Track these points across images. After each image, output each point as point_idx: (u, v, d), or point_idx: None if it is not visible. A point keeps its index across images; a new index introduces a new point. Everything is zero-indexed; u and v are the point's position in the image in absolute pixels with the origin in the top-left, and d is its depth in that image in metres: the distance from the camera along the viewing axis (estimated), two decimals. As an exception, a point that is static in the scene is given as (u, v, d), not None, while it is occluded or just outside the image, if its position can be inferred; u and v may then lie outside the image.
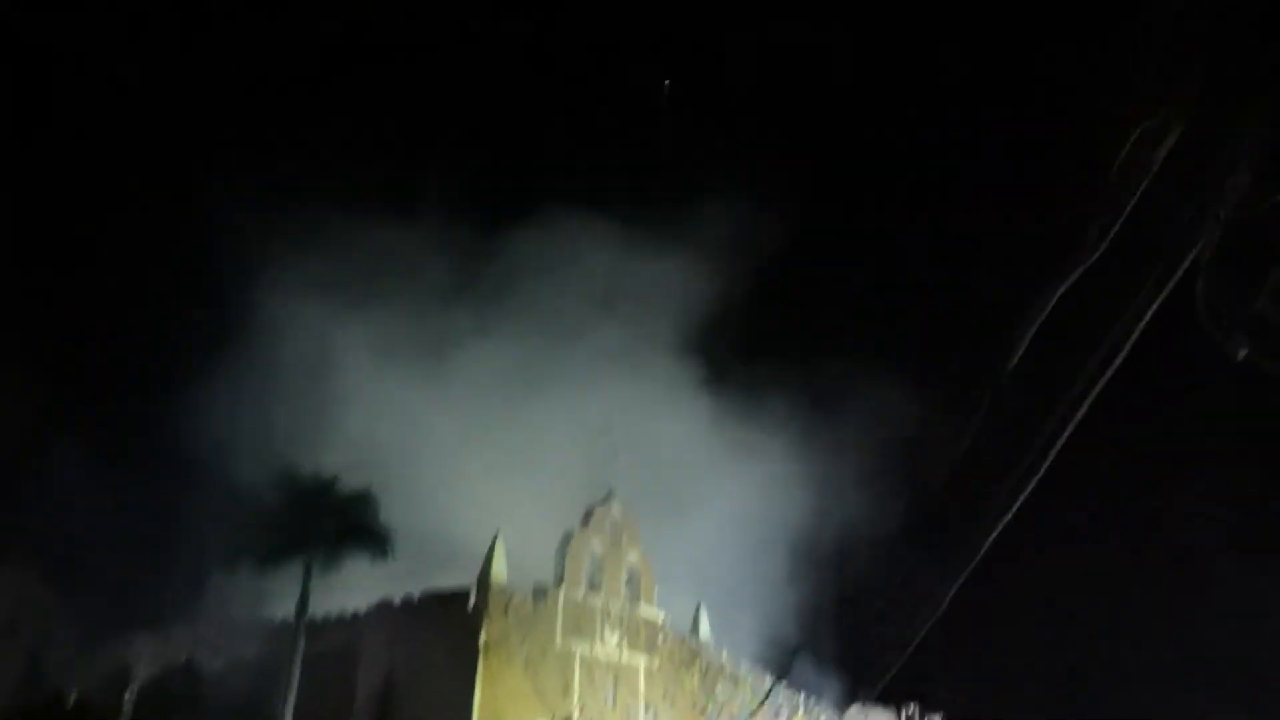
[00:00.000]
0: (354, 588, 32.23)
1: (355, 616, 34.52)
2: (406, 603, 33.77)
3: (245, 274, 46.73)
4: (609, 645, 34.50)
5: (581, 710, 32.93)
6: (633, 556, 36.85)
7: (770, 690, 34.80)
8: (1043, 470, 4.35)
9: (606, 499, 37.00)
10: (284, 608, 30.72)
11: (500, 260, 50.98)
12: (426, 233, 50.09)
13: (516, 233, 51.73)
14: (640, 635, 35.49)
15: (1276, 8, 3.18)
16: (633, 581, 36.52)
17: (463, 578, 33.21)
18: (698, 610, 38.57)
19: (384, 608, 34.04)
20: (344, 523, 28.24)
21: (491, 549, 33.20)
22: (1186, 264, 3.16)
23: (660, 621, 36.39)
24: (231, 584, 32.19)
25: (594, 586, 35.21)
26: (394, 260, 49.39)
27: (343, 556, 28.39)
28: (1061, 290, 3.99)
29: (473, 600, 32.58)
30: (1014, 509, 4.56)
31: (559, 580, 34.52)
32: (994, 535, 4.73)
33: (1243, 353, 2.61)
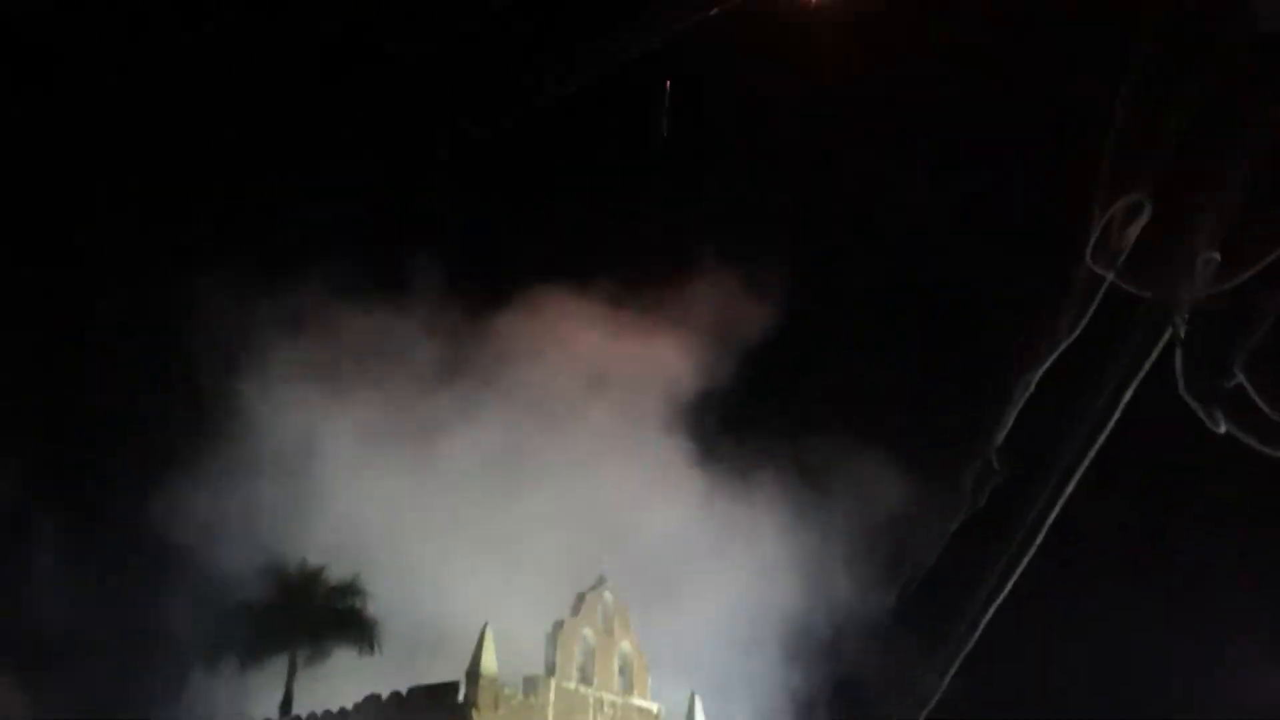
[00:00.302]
0: (340, 682, 31.40)
1: (343, 712, 33.54)
2: (395, 697, 32.87)
3: (229, 360, 46.70)
4: (603, 738, 33.55)
5: (575, 807, 31.84)
6: (625, 645, 36.11)
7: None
8: (1033, 550, 4.30)
9: (598, 585, 36.42)
10: (267, 706, 29.86)
11: (487, 344, 51.14)
12: (413, 317, 50.32)
13: (503, 316, 51.97)
14: (634, 727, 34.54)
15: (1239, 85, 3.26)
16: (625, 671, 35.71)
17: (452, 670, 32.40)
18: (692, 700, 37.61)
19: (372, 702, 33.10)
20: (330, 614, 27.67)
21: (481, 639, 32.44)
22: (1163, 342, 3.17)
23: (655, 712, 35.47)
24: (213, 682, 31.31)
25: (586, 677, 34.39)
26: (380, 345, 49.49)
27: (329, 649, 27.73)
28: (1045, 367, 4.00)
29: (462, 693, 31.72)
30: (1006, 589, 4.49)
31: (550, 670, 33.69)
32: (988, 617, 4.65)
33: (1221, 426, 2.61)
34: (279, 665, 27.66)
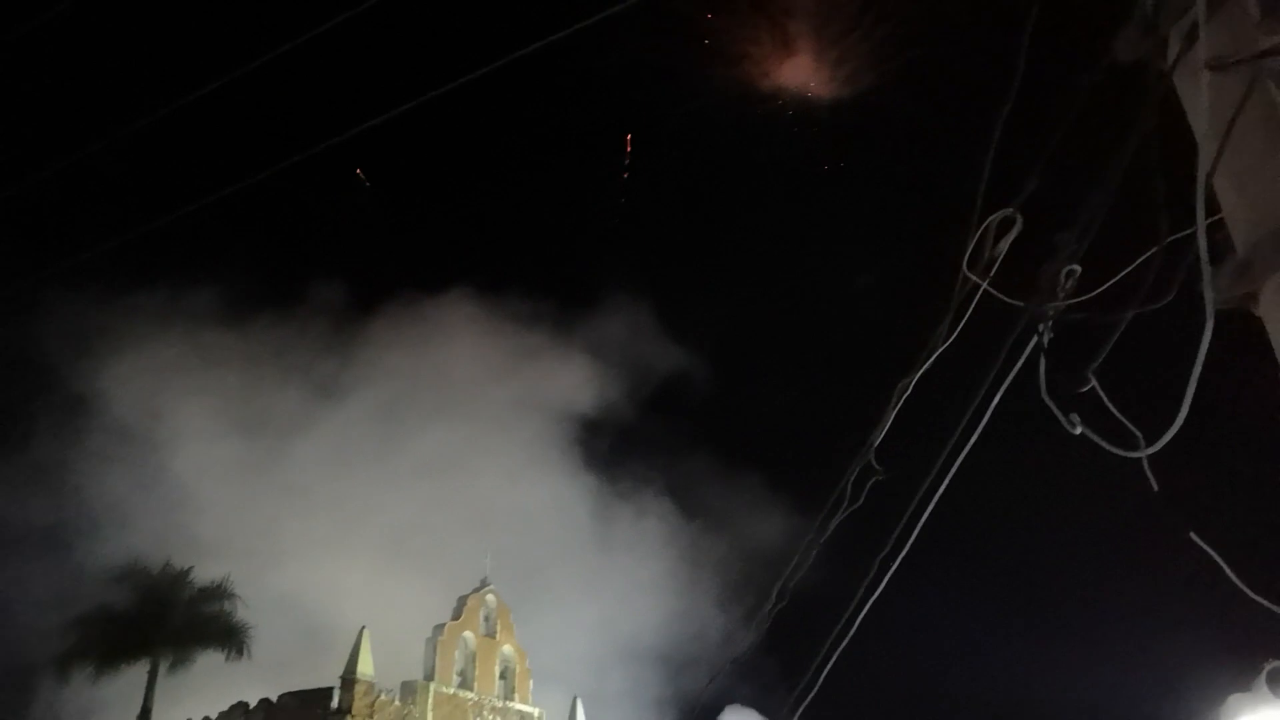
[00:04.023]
0: (206, 691, 30.06)
1: (205, 722, 32.10)
2: (264, 704, 31.65)
3: (88, 355, 44.27)
4: (481, 744, 33.09)
5: (451, 815, 31.30)
6: (507, 648, 35.75)
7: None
8: (896, 563, 4.47)
9: (481, 588, 35.96)
10: (124, 718, 28.29)
11: (371, 345, 49.95)
12: (290, 316, 48.81)
13: (387, 315, 50.84)
14: (514, 732, 34.21)
15: (1102, 108, 3.47)
16: (507, 675, 35.34)
17: (327, 676, 31.43)
18: (574, 705, 37.52)
19: (238, 710, 31.78)
20: (196, 618, 26.41)
21: (358, 643, 31.57)
22: (1029, 349, 3.35)
23: (536, 716, 35.22)
24: (63, 693, 29.51)
25: (466, 681, 33.88)
26: (258, 344, 47.75)
27: (194, 656, 26.47)
28: (914, 379, 4.17)
29: (336, 700, 30.79)
30: (872, 600, 4.64)
31: (429, 675, 33.06)
32: (849, 634, 4.81)
33: (1078, 428, 2.78)
34: (138, 674, 26.22)
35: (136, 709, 26.39)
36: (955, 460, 3.94)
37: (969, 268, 3.68)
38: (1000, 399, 3.75)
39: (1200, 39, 2.56)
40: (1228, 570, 2.66)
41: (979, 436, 3.87)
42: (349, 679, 30.81)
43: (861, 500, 4.40)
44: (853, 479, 4.30)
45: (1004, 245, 3.62)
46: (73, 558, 35.99)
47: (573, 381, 49.00)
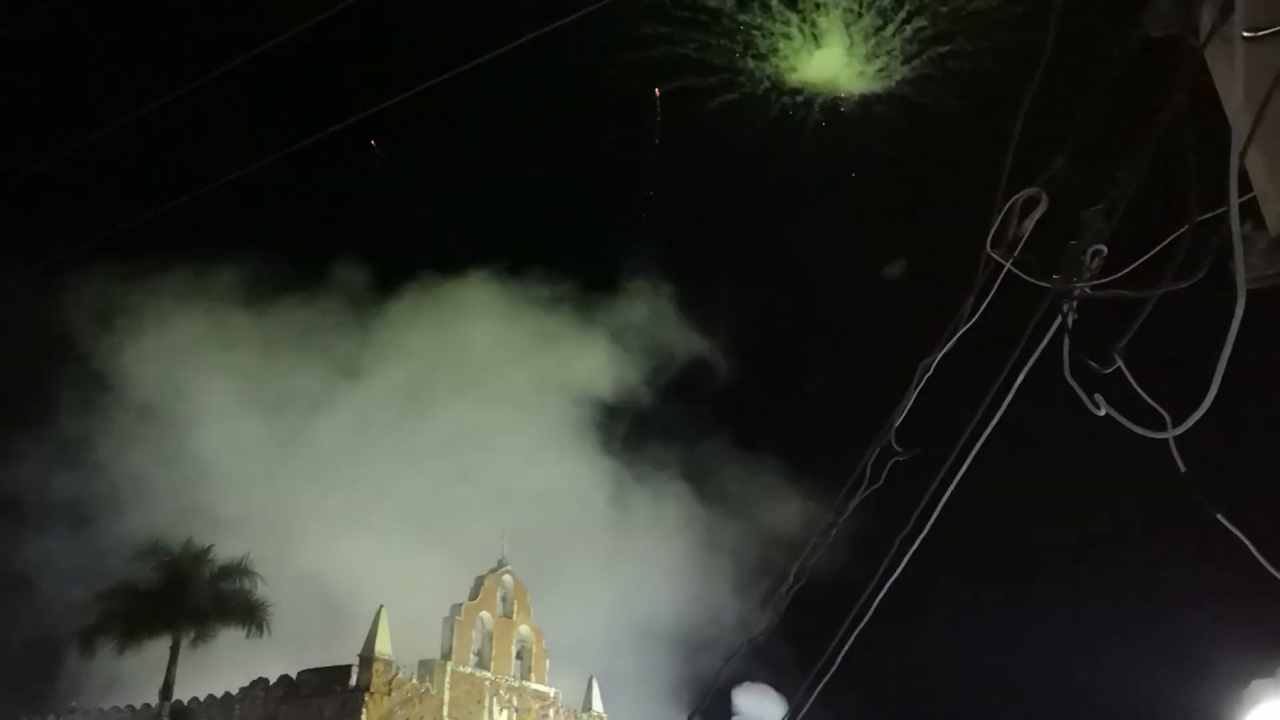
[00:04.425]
0: (226, 667, 30.44)
1: (227, 697, 32.54)
2: (284, 680, 32.04)
3: (112, 336, 44.66)
4: (498, 722, 33.39)
5: (468, 792, 31.63)
6: (524, 628, 36.00)
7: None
8: (917, 542, 4.45)
9: (498, 568, 36.18)
10: (147, 691, 28.73)
11: (393, 326, 50.10)
12: (314, 298, 49.01)
13: (409, 296, 50.98)
14: (531, 711, 34.49)
15: (1129, 89, 3.42)
16: (523, 655, 35.61)
17: (345, 654, 31.77)
18: (590, 684, 37.76)
19: (259, 686, 32.21)
20: (217, 595, 26.73)
21: (376, 622, 31.88)
22: (1053, 329, 3.32)
23: (552, 696, 35.49)
24: (88, 667, 29.97)
25: (483, 661, 34.14)
26: (283, 327, 48.01)
27: (215, 632, 26.79)
28: (937, 358, 4.14)
29: (355, 677, 31.13)
30: (891, 580, 4.63)
31: (446, 655, 33.36)
32: (868, 615, 4.81)
33: (1102, 410, 2.75)
34: (160, 649, 26.56)
35: (159, 683, 26.77)
36: (977, 441, 3.91)
37: (993, 247, 3.64)
38: (1024, 380, 3.71)
39: (1235, 11, 2.51)
40: (1256, 553, 2.63)
41: (1001, 417, 3.84)
42: (367, 657, 31.15)
43: (881, 481, 4.37)
44: (873, 459, 4.28)
45: (1029, 224, 3.57)
46: (97, 533, 36.54)
47: (592, 365, 49.08)
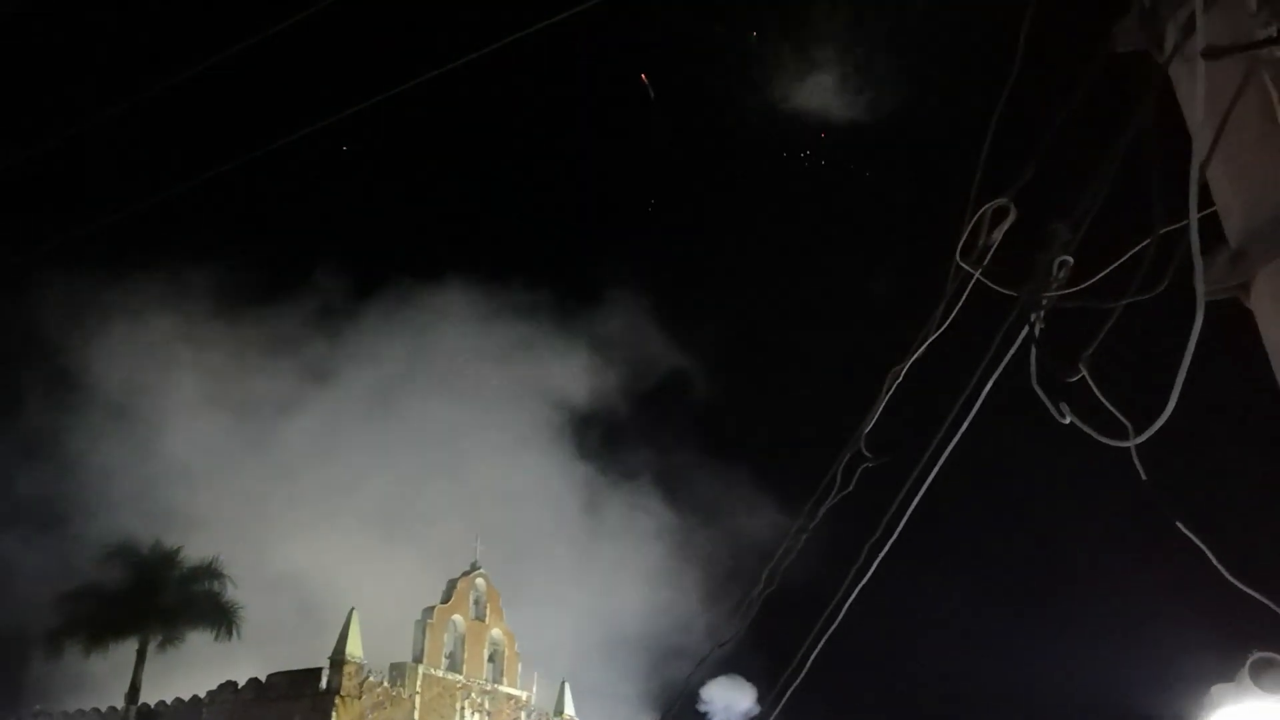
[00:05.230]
0: (195, 669, 30.11)
1: (195, 700, 32.15)
2: (253, 684, 31.71)
3: (81, 332, 44.11)
4: (469, 726, 33.21)
5: (438, 796, 31.43)
6: (496, 631, 35.86)
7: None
8: (885, 548, 4.49)
9: (471, 571, 36.02)
10: (113, 695, 28.36)
11: (367, 331, 49.82)
12: (294, 305, 48.68)
13: (383, 301, 50.74)
14: (503, 714, 34.35)
15: (1097, 101, 3.48)
16: (495, 658, 35.47)
17: (316, 656, 31.50)
18: (562, 688, 37.66)
19: (227, 689, 31.85)
20: (186, 597, 26.43)
21: (347, 625, 31.63)
22: (1019, 340, 3.37)
23: (524, 700, 35.37)
24: (53, 670, 29.51)
25: (455, 664, 33.97)
26: (255, 330, 47.61)
27: (183, 635, 26.49)
28: (906, 367, 4.18)
29: (325, 680, 30.86)
30: (860, 586, 4.66)
31: (418, 658, 33.16)
32: (837, 620, 4.84)
33: (1067, 418, 2.80)
34: (128, 650, 26.23)
35: (125, 686, 26.43)
36: (946, 448, 3.96)
37: (962, 257, 3.69)
38: (991, 388, 3.77)
39: (1197, 29, 2.57)
40: (1214, 559, 2.68)
41: (969, 425, 3.90)
42: (338, 660, 30.90)
43: (851, 486, 4.41)
44: (843, 466, 4.32)
45: (998, 235, 3.63)
46: (65, 531, 36.05)
47: (567, 372, 49.07)
